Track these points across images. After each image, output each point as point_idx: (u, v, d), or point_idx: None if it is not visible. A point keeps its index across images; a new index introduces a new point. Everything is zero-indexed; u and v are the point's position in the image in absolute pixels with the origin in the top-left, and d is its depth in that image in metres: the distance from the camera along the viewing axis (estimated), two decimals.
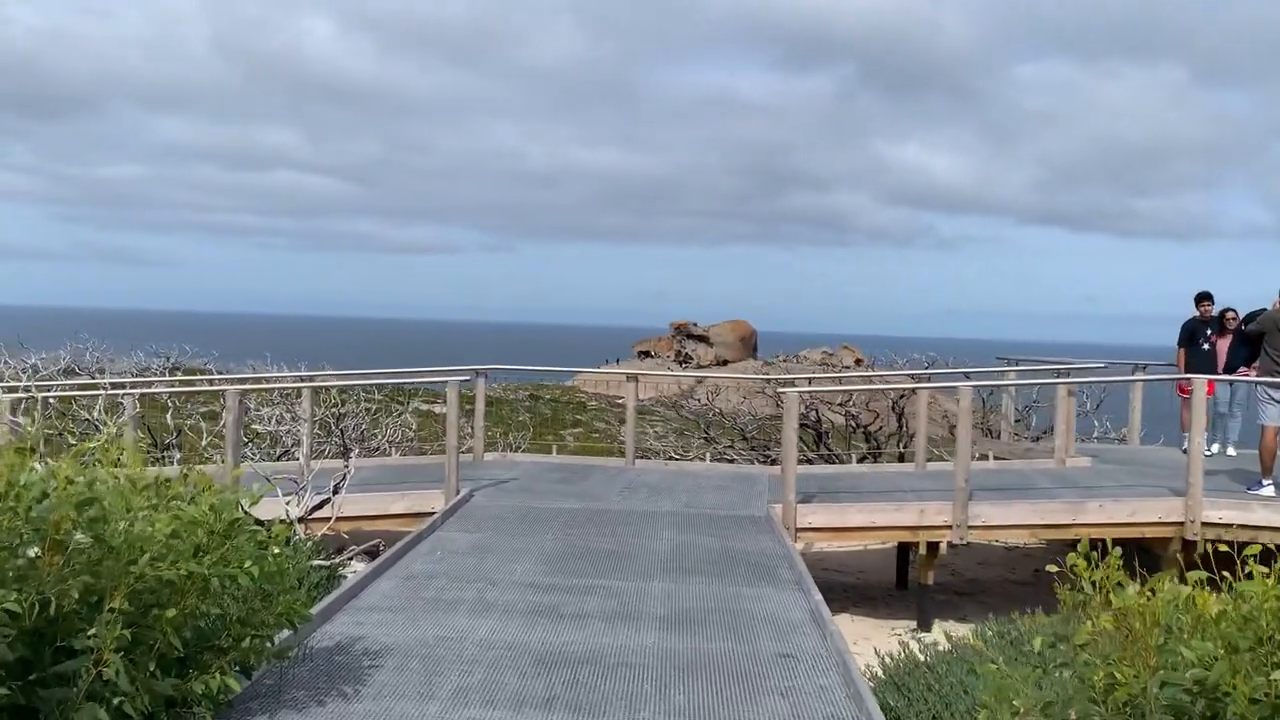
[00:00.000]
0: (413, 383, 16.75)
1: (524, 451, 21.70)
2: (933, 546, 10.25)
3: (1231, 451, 14.00)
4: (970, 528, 10.08)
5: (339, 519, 10.32)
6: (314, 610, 6.23)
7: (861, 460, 15.51)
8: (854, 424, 17.12)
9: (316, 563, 8.33)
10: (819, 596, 6.98)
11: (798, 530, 10.01)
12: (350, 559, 8.95)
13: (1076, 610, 4.24)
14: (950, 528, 10.12)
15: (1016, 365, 14.73)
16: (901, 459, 16.93)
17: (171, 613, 4.42)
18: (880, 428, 16.48)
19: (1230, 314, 13.83)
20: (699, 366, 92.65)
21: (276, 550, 5.33)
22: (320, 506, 9.33)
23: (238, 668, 4.89)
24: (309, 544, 8.70)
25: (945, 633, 10.55)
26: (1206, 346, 13.76)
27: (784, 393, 11.12)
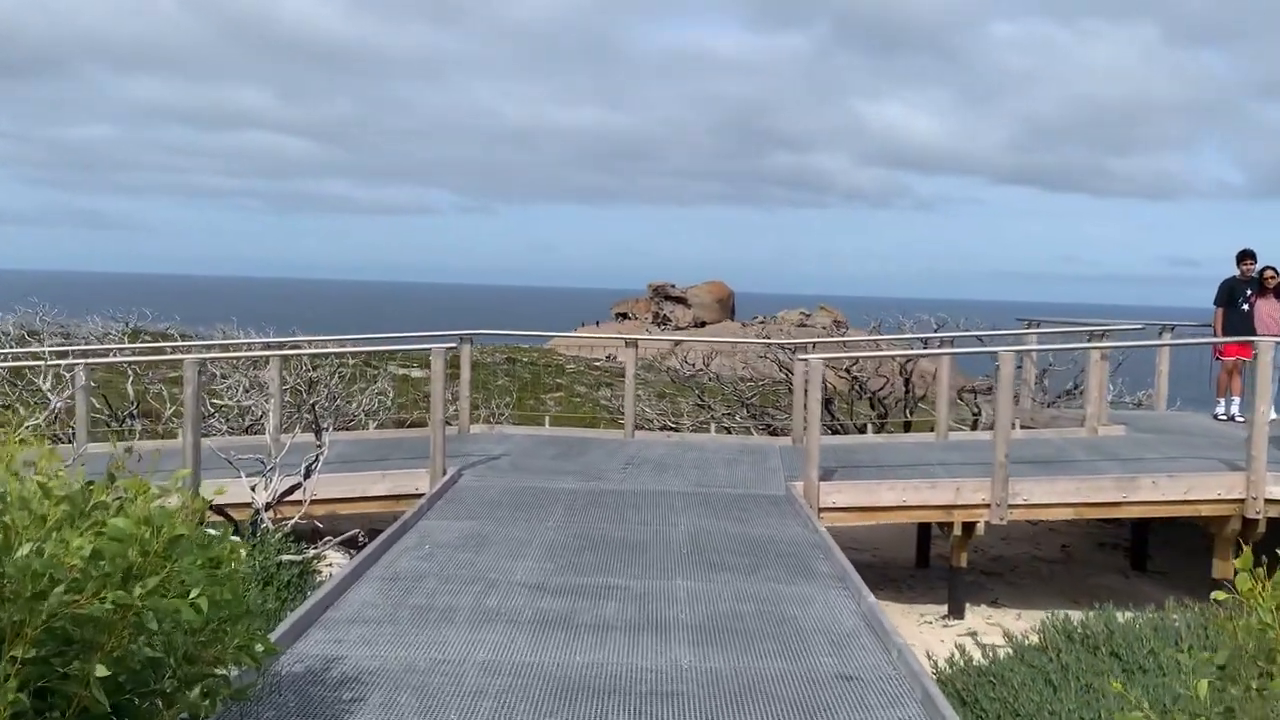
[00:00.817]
0: (393, 349, 15.60)
1: (510, 421, 20.69)
2: (968, 526, 9.35)
3: (1274, 415, 13.18)
4: (1011, 506, 9.17)
5: (313, 502, 9.30)
6: (283, 627, 5.22)
7: (867, 429, 14.58)
8: (860, 389, 16.18)
9: (287, 558, 7.31)
10: (872, 599, 6.03)
11: (820, 510, 9.08)
12: (326, 550, 7.94)
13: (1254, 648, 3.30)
14: (988, 506, 9.21)
15: (1038, 327, 13.79)
16: (908, 427, 16.04)
17: (94, 660, 3.40)
18: (890, 393, 15.56)
19: (1270, 272, 12.93)
20: (676, 328, 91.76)
21: (234, 565, 4.31)
22: (291, 491, 8.29)
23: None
24: (278, 535, 7.67)
25: (985, 620, 9.70)
26: (1246, 307, 12.89)
27: (805, 359, 10.13)
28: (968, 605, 9.80)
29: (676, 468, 10.42)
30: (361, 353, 15.39)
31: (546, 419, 12.87)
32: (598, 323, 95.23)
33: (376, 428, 15.27)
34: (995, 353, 9.79)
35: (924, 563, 11.71)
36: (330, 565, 8.00)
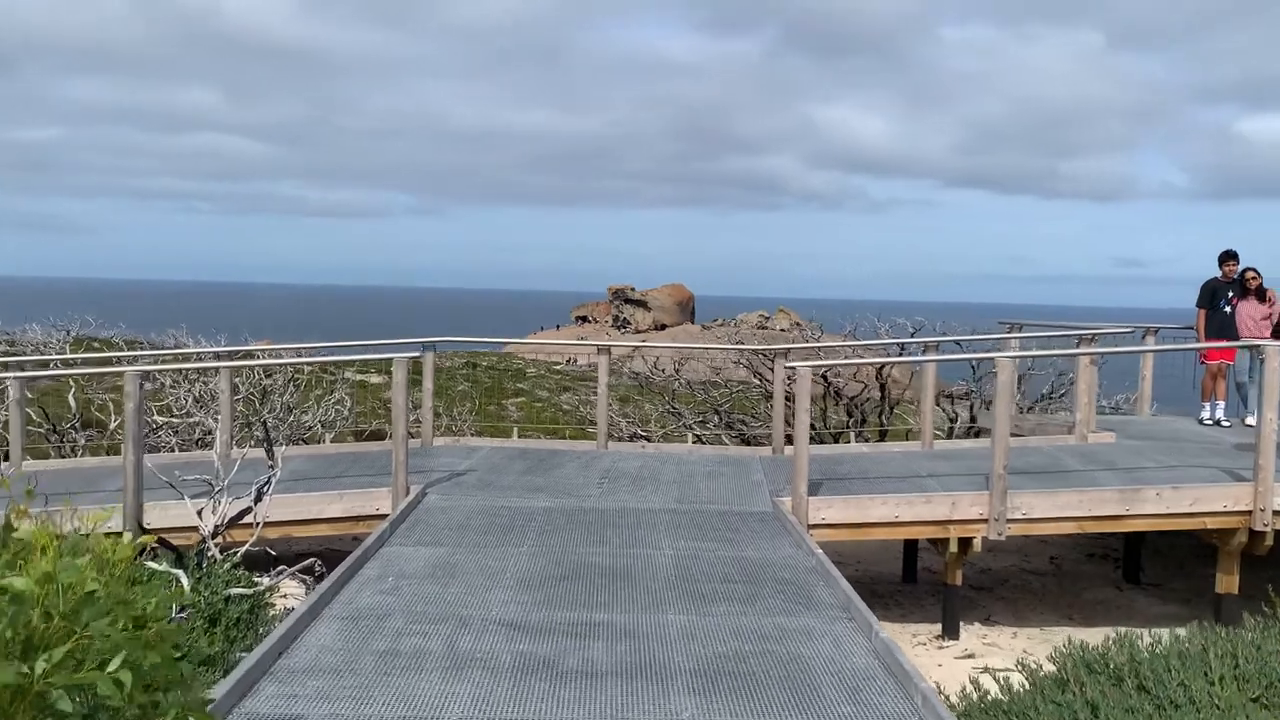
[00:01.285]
0: (353, 359, 14.86)
1: (473, 431, 20.02)
2: (964, 543, 8.86)
3: (1252, 421, 12.87)
4: (1010, 521, 8.70)
5: (266, 524, 8.63)
6: (229, 681, 4.57)
7: (850, 438, 14.11)
8: (835, 395, 15.71)
9: (237, 591, 6.63)
10: (884, 634, 5.49)
11: (810, 526, 8.54)
12: (281, 580, 7.26)
13: None
14: (986, 521, 8.73)
15: (1020, 330, 13.39)
16: (884, 434, 15.60)
17: None
18: (867, 398, 15.09)
19: (1251, 274, 12.63)
20: (637, 331, 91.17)
21: (166, 619, 3.67)
22: (242, 516, 7.61)
23: None
24: (227, 565, 6.98)
25: (981, 640, 9.23)
26: (1227, 309, 12.57)
27: (794, 367, 9.60)
28: (961, 624, 9.33)
29: (655, 482, 9.85)
30: (318, 362, 14.62)
31: (514, 430, 12.22)
32: (558, 326, 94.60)
33: (333, 440, 14.57)
34: (993, 359, 9.30)
35: (911, 577, 11.23)
36: (285, 598, 7.34)
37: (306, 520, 9.00)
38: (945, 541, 8.89)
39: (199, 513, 7.68)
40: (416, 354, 9.17)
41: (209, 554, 7.13)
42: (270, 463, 7.65)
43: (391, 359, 9.16)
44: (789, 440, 12.05)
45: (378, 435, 17.45)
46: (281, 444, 9.44)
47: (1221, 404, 13.00)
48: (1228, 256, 12.83)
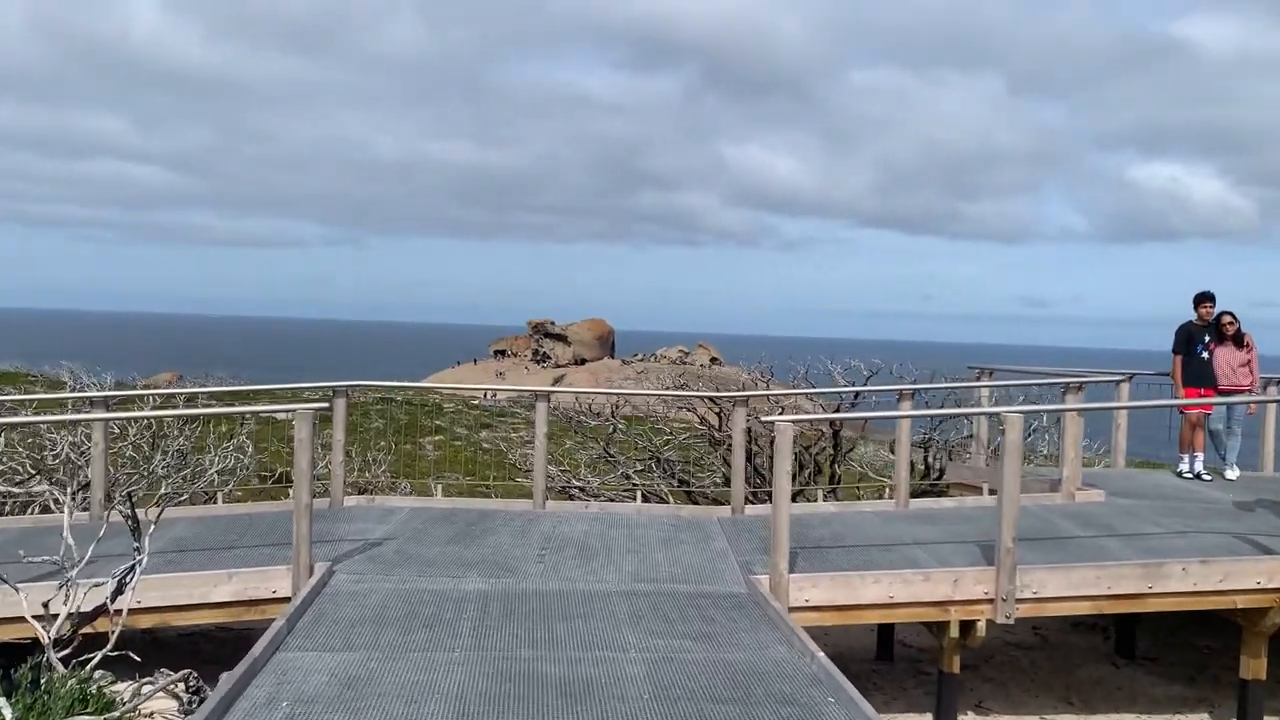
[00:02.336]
0: (250, 410, 13.15)
1: (388, 473, 18.33)
2: (966, 625, 7.68)
3: (1232, 475, 12.03)
4: (1019, 601, 7.54)
5: (134, 611, 7.08)
6: None
7: (817, 495, 12.90)
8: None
9: (84, 719, 5.08)
10: None
11: (791, 609, 7.27)
12: (147, 700, 5.70)
13: None
14: (991, 601, 7.56)
15: (991, 376, 12.38)
16: (834, 481, 14.46)
17: None
18: (822, 449, 13.94)
19: (1228, 319, 11.83)
20: (557, 365, 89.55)
21: None
22: (96, 615, 6.04)
23: None
24: (70, 683, 5.42)
25: None
26: (1205, 355, 11.74)
27: (770, 420, 8.35)
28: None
29: (606, 552, 8.47)
30: (209, 415, 12.94)
31: (436, 486, 10.75)
32: (474, 360, 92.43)
33: (235, 489, 12.89)
34: (999, 414, 8.17)
35: (887, 654, 10.03)
36: (152, 718, 5.78)
37: (187, 606, 7.43)
38: (944, 625, 7.70)
39: (45, 605, 6.09)
40: (322, 406, 7.70)
41: (49, 669, 5.55)
42: (135, 544, 6.10)
43: (294, 413, 7.65)
44: (750, 499, 10.81)
45: (285, 483, 15.75)
46: (160, 508, 7.84)
47: (1200, 456, 12.14)
48: (1204, 298, 12.01)
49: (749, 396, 10.58)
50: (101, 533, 6.83)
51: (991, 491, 10.84)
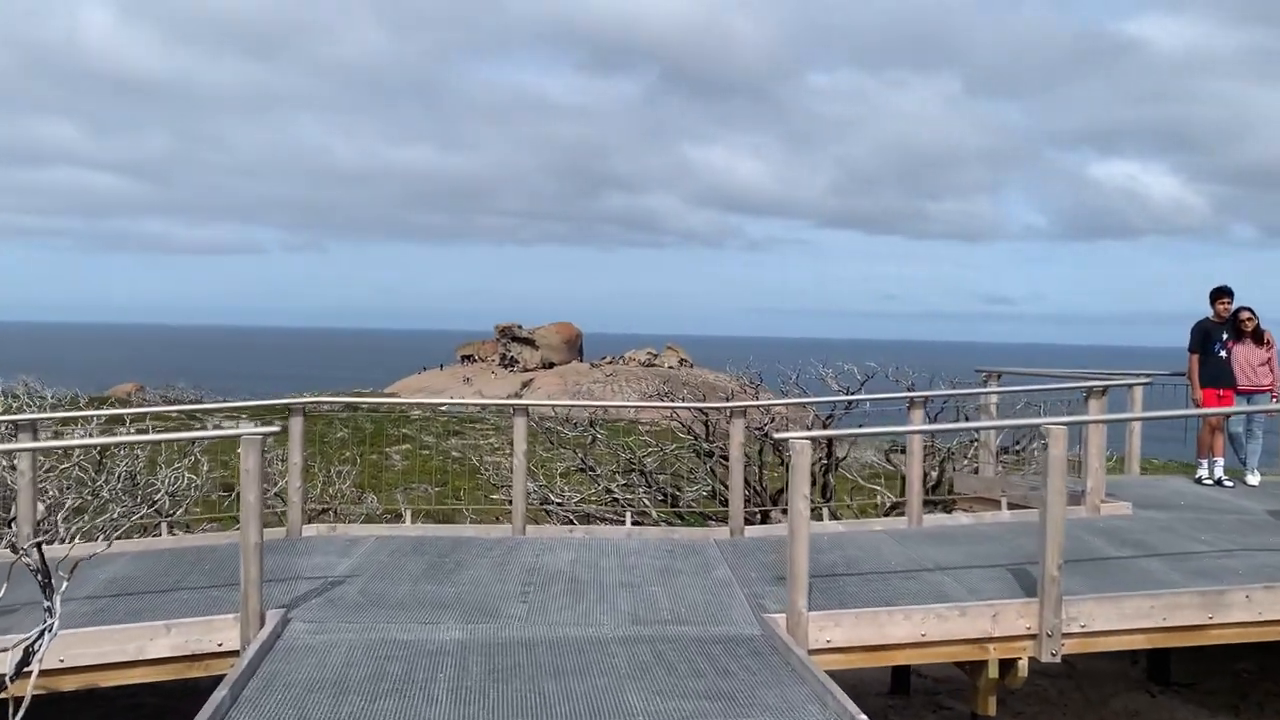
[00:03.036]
0: (194, 436, 12.00)
1: (353, 487, 17.29)
2: (1006, 664, 6.85)
3: (1254, 480, 11.32)
4: (1065, 636, 6.71)
5: (54, 672, 6.12)
6: None
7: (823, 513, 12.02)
8: (776, 452, 13.69)
9: None
10: None
11: (812, 651, 6.40)
12: None
13: None
14: (1034, 637, 6.73)
15: (999, 379, 11.59)
16: (827, 494, 13.64)
17: None
18: (817, 459, 13.11)
19: (1246, 315, 11.12)
20: (525, 369, 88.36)
21: None
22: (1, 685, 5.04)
23: None
24: None
25: None
26: (1223, 354, 11.02)
27: (785, 438, 7.47)
28: None
29: (597, 587, 7.56)
30: (150, 441, 11.87)
31: (408, 513, 9.78)
32: (441, 366, 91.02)
33: (179, 524, 11.83)
34: (1040, 426, 7.33)
35: (903, 687, 9.20)
36: None
37: (119, 664, 6.43)
38: (980, 665, 6.86)
39: None
40: (271, 430, 6.72)
41: None
42: (46, 604, 5.11)
43: (240, 437, 6.66)
44: (749, 519, 9.95)
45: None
46: (63, 581, 6.84)
47: (1220, 461, 11.43)
48: (1220, 293, 11.30)
49: (745, 407, 9.68)
50: (7, 579, 5.84)
51: (1012, 506, 10.04)
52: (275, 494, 13.35)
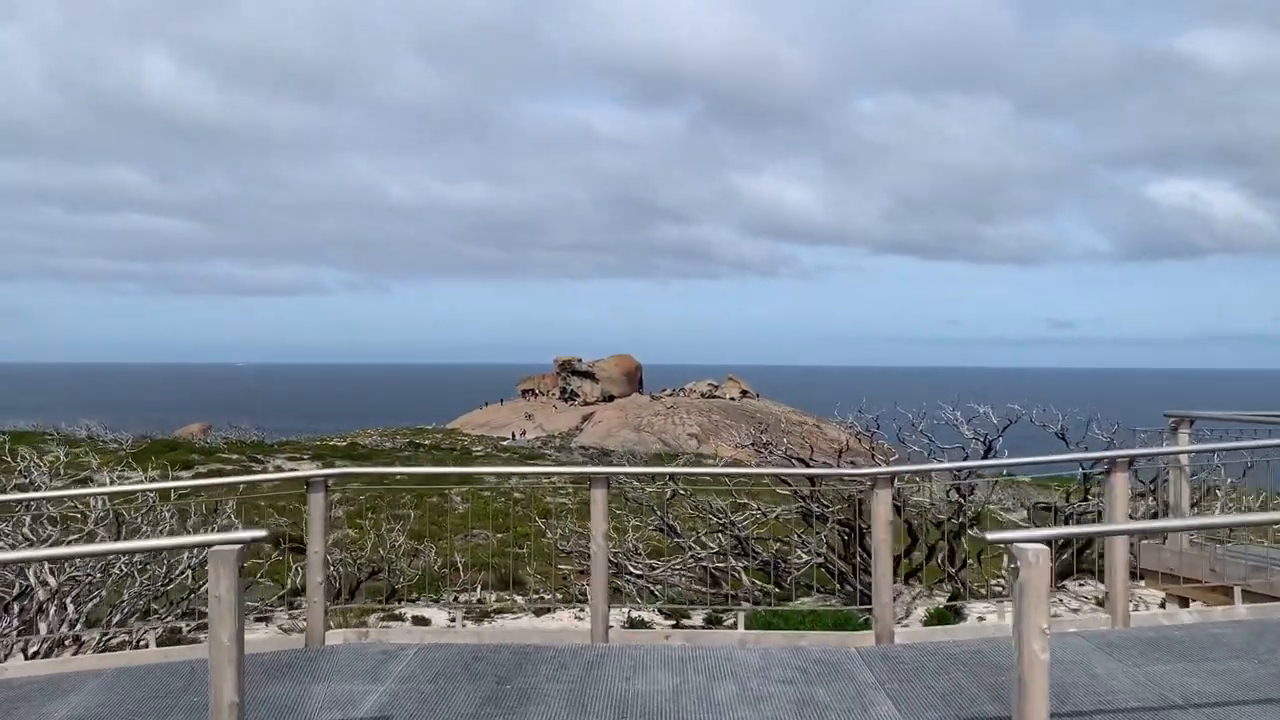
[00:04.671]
0: (154, 547, 9.67)
1: (415, 553, 15.44)
2: None
3: None
4: None
5: None
6: None
7: (910, 578, 9.77)
8: (908, 526, 11.37)
9: None
10: None
11: None
12: None
13: None
14: None
15: (1190, 425, 9.25)
16: (957, 569, 11.32)
17: None
18: (955, 522, 10.83)
19: None
20: (585, 403, 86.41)
21: None
22: None
23: None
24: None
25: None
26: None
27: (1008, 542, 5.26)
28: None
29: None
30: (114, 551, 9.91)
31: (456, 616, 7.70)
32: (501, 401, 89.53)
33: (170, 624, 9.86)
34: None
35: None
36: None
37: None
38: None
39: None
40: (256, 536, 4.68)
41: None
42: None
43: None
44: (862, 597, 7.70)
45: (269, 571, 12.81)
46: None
47: None
48: None
49: (891, 475, 7.45)
50: None
51: (1249, 596, 7.69)
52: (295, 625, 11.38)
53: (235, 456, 40.44)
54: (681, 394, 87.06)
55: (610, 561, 11.69)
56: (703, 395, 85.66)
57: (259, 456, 41.02)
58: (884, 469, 7.43)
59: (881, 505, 7.13)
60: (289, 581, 10.97)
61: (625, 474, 8.27)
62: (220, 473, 36.22)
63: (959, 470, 9.38)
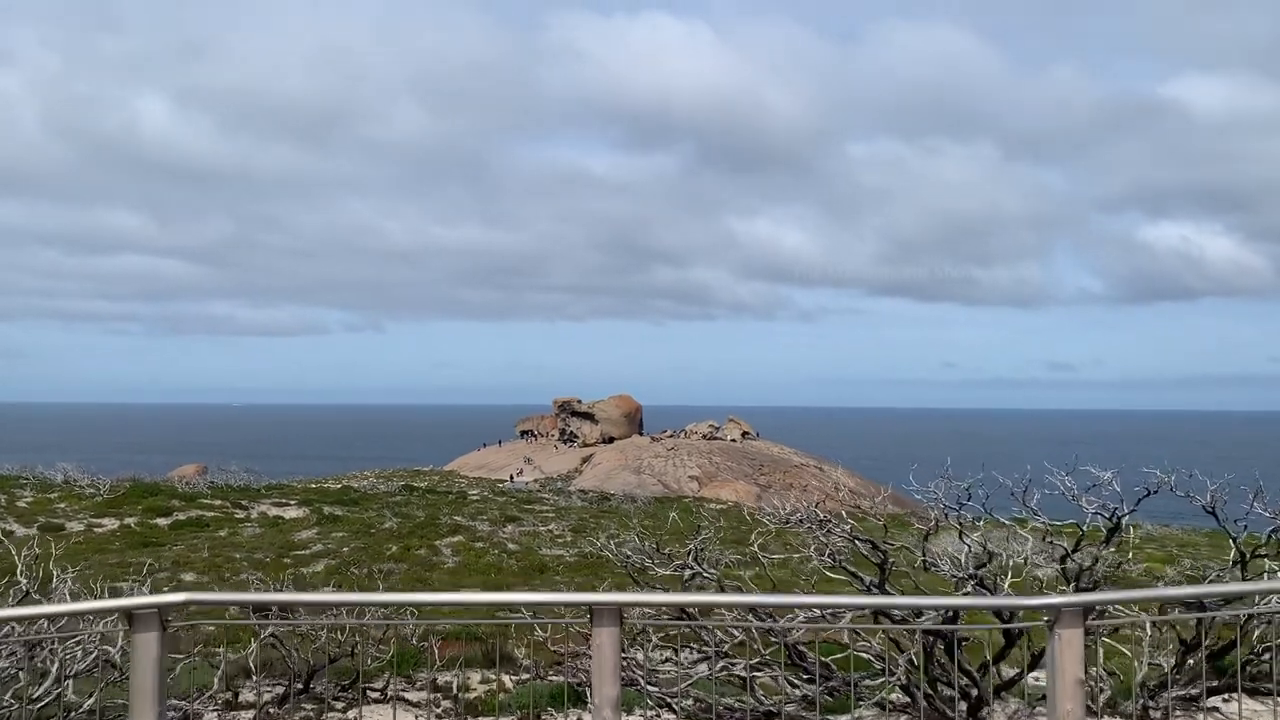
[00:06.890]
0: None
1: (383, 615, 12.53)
2: None
3: None
4: None
5: None
6: None
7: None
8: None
9: None
10: None
11: None
12: None
13: None
14: None
15: None
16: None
17: None
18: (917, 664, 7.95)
19: None
20: (585, 444, 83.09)
21: None
22: None
23: None
24: None
25: None
26: None
27: None
28: None
29: None
30: None
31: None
32: (499, 442, 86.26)
33: None
34: None
35: None
36: None
37: None
38: None
39: None
40: None
41: None
42: None
43: None
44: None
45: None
46: None
47: None
48: None
49: (1091, 603, 4.60)
50: None
51: None
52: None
53: (218, 502, 37.36)
54: (682, 435, 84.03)
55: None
56: (704, 436, 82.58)
57: (243, 502, 37.93)
58: (1073, 598, 4.56)
59: (1069, 652, 4.31)
60: None
61: (633, 601, 4.92)
62: (200, 520, 33.23)
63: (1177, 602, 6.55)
